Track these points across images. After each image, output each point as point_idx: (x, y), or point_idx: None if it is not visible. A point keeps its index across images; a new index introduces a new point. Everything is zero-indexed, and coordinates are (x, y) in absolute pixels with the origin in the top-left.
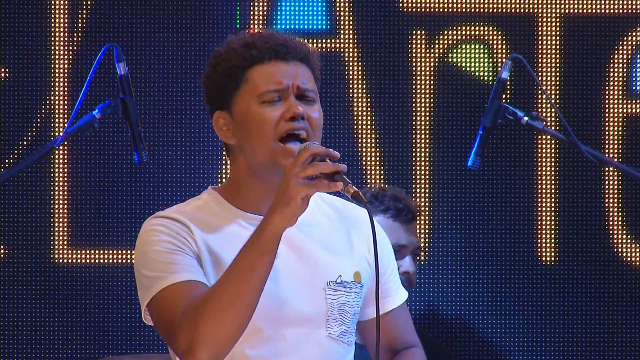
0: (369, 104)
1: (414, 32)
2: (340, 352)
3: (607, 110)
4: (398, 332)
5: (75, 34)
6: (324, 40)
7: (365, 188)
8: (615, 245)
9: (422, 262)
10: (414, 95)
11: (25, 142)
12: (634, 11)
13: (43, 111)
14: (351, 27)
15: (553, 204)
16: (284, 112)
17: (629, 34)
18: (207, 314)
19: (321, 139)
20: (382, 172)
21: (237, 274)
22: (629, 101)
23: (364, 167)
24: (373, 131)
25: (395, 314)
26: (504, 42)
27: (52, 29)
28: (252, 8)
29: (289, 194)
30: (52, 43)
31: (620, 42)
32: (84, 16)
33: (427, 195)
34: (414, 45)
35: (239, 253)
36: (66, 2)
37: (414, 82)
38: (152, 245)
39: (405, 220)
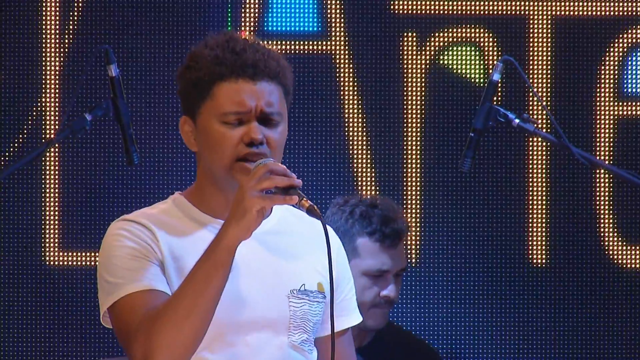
0: (360, 106)
1: (406, 34)
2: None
3: (598, 112)
4: (343, 357)
5: (66, 36)
6: (314, 42)
7: (357, 198)
8: (606, 248)
9: (414, 265)
10: (405, 97)
11: (16, 145)
12: (625, 13)
13: (34, 113)
14: (342, 29)
15: (544, 206)
16: (243, 136)
17: (620, 36)
18: (162, 325)
19: (281, 158)
20: (373, 174)
21: (192, 286)
22: (620, 103)
23: (355, 170)
24: (364, 133)
25: (345, 337)
26: (495, 44)
27: (44, 31)
28: (243, 10)
29: (244, 206)
30: (44, 45)
31: (612, 44)
32: (76, 18)
33: (418, 197)
34: (406, 48)
35: (195, 265)
36: (57, 4)
37: (405, 84)
38: (116, 251)
39: (390, 245)
